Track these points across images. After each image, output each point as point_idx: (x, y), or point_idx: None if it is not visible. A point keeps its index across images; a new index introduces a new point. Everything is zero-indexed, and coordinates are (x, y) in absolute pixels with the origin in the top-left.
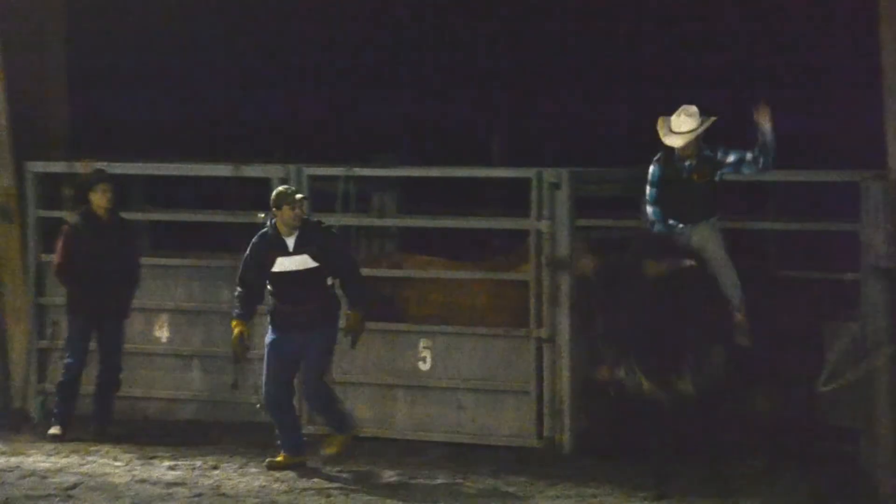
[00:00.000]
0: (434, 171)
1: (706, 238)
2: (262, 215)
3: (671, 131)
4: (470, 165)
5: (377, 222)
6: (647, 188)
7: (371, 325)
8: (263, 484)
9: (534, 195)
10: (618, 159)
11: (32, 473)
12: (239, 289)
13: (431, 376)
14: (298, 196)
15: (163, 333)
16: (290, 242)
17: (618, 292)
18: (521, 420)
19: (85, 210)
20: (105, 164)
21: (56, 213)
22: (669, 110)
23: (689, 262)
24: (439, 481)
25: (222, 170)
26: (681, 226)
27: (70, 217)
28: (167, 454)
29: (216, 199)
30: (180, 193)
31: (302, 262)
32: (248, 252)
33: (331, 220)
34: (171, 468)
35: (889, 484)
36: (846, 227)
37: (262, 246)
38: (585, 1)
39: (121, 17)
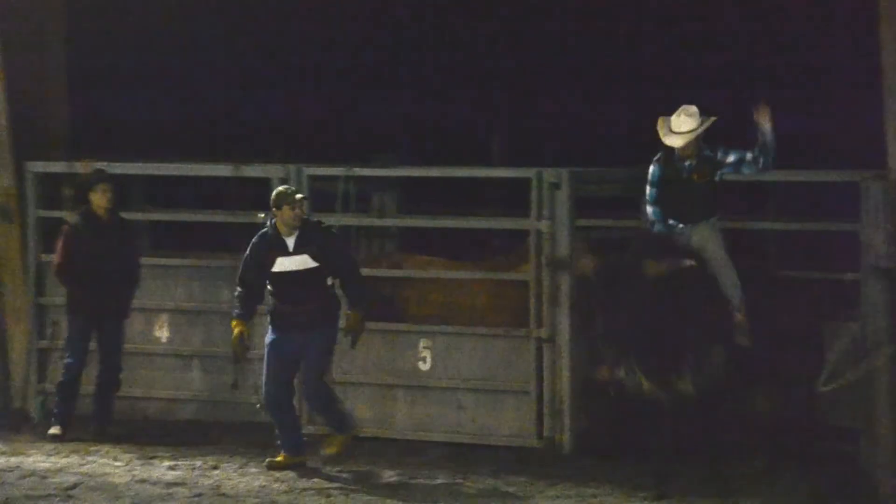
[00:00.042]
0: (434, 172)
1: (706, 238)
2: (263, 215)
3: (671, 131)
4: (470, 165)
5: (377, 222)
6: (647, 188)
7: (371, 325)
8: (263, 484)
9: (534, 195)
10: (618, 159)
11: (32, 473)
12: (238, 289)
13: (431, 376)
14: (298, 196)
15: (163, 333)
16: (290, 242)
17: (617, 292)
18: (521, 420)
19: (85, 210)
20: (105, 164)
21: (56, 213)
22: (670, 110)
23: (689, 263)
24: (439, 481)
25: (222, 170)
26: (681, 226)
27: (70, 217)
28: (167, 454)
29: (216, 199)
30: (180, 193)
31: (302, 262)
32: (247, 252)
33: (331, 220)
34: (171, 468)
35: (889, 484)
36: (846, 228)
37: (262, 246)
38: (586, 1)
39: (121, 17)
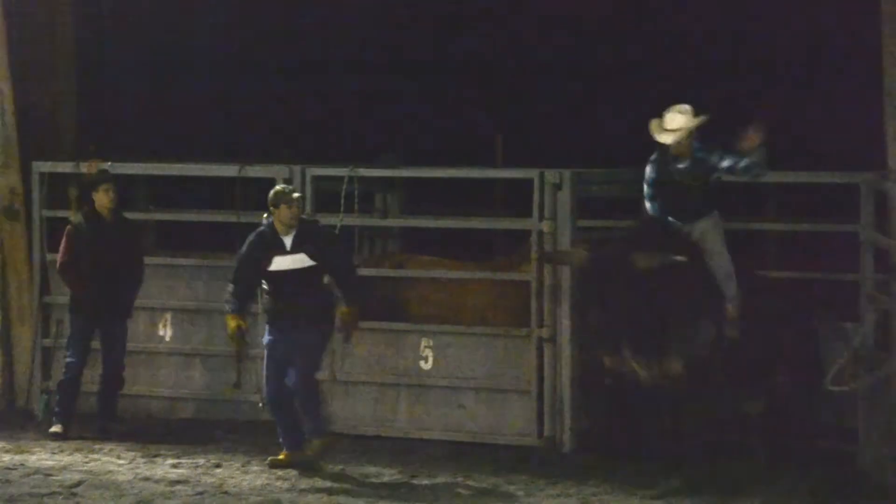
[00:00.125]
0: (437, 172)
1: (706, 231)
2: (266, 216)
3: (663, 129)
4: (472, 166)
5: (380, 222)
6: (645, 186)
7: (373, 324)
8: (266, 482)
9: (536, 196)
10: (620, 160)
11: (36, 471)
12: (232, 286)
13: (433, 375)
14: (296, 195)
15: (166, 332)
16: (288, 241)
17: (606, 284)
18: (522, 419)
19: (88, 210)
20: (109, 164)
21: (62, 213)
22: None
23: (679, 258)
24: (440, 480)
25: (226, 170)
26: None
27: (73, 217)
28: (170, 452)
29: (221, 199)
30: (184, 193)
31: (299, 260)
32: (243, 250)
33: (334, 220)
34: (174, 466)
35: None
36: (846, 228)
37: (259, 244)
38: (588, 1)
39: (128, 17)
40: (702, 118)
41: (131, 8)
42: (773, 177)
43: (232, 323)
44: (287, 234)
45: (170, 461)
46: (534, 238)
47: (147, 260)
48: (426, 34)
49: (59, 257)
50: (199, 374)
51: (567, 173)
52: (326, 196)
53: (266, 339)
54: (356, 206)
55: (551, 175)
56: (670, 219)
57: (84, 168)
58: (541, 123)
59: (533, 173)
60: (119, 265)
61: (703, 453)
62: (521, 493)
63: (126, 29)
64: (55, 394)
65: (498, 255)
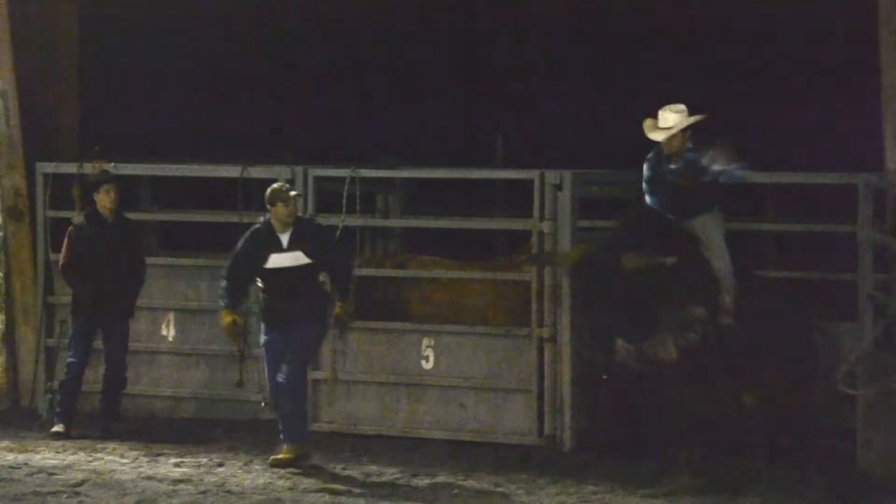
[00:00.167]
0: (438, 173)
1: (706, 225)
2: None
3: (656, 127)
4: (473, 167)
5: (381, 223)
6: (644, 184)
7: (374, 324)
8: (268, 481)
9: (536, 196)
10: (620, 161)
11: (40, 470)
12: (225, 281)
13: (434, 375)
14: (292, 193)
15: (169, 332)
16: (285, 239)
17: (596, 284)
18: (523, 418)
19: (90, 211)
20: (113, 164)
21: (66, 214)
22: None
23: (670, 260)
24: (441, 479)
25: (229, 171)
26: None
27: (75, 217)
28: (173, 451)
29: (223, 199)
30: (187, 194)
31: (295, 258)
32: (239, 247)
33: (335, 220)
34: (177, 465)
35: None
36: (845, 229)
37: (255, 241)
38: (588, 2)
39: (132, 19)
40: (696, 118)
41: (134, 9)
42: (771, 178)
43: (227, 318)
44: (284, 231)
45: (172, 460)
46: (534, 239)
47: (149, 260)
48: (426, 34)
49: (60, 258)
50: (202, 374)
51: (567, 174)
52: (328, 196)
53: (262, 338)
54: (357, 207)
55: (552, 176)
56: (669, 217)
57: (88, 169)
58: (541, 124)
59: (533, 174)
60: (120, 265)
61: (703, 453)
62: (521, 492)
63: (129, 30)
64: (57, 393)
65: (498, 256)
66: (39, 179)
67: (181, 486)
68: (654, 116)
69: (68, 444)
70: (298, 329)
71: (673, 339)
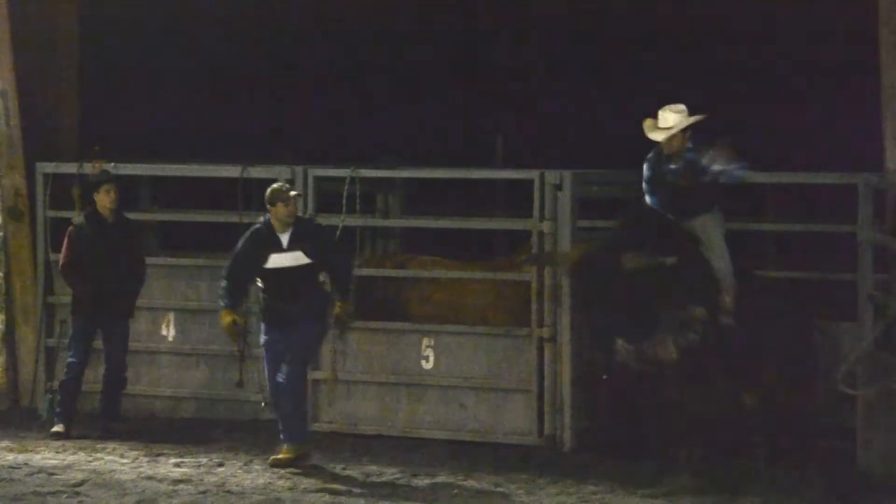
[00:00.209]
0: (438, 173)
1: (706, 225)
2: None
3: (656, 127)
4: (473, 167)
5: (381, 223)
6: (644, 184)
7: (374, 324)
8: (268, 481)
9: (536, 196)
10: (620, 160)
11: (41, 470)
12: (225, 281)
13: (434, 375)
14: (292, 193)
15: (169, 332)
16: (285, 239)
17: (596, 284)
18: (523, 418)
19: (90, 211)
20: (113, 164)
21: (66, 214)
22: None
23: (670, 260)
24: (441, 479)
25: (229, 171)
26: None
27: (75, 217)
28: (173, 451)
29: (223, 199)
30: (187, 194)
31: (295, 258)
32: (239, 247)
33: (335, 220)
34: (177, 465)
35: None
36: (845, 229)
37: (255, 241)
38: (589, 2)
39: (132, 19)
40: (696, 118)
41: (134, 9)
42: (771, 178)
43: (227, 318)
44: (284, 231)
45: (172, 460)
46: (534, 239)
47: (149, 260)
48: (426, 34)
49: (60, 258)
50: (202, 374)
51: (567, 174)
52: (328, 196)
53: (263, 338)
54: (358, 207)
55: (552, 176)
56: (669, 216)
57: (88, 169)
58: (541, 124)
59: (533, 174)
60: (120, 265)
61: (703, 453)
62: (521, 492)
63: (129, 30)
64: (57, 393)
65: (498, 256)
66: (39, 179)
67: (181, 486)
68: (654, 116)
69: (68, 444)
70: (298, 329)
71: (673, 339)
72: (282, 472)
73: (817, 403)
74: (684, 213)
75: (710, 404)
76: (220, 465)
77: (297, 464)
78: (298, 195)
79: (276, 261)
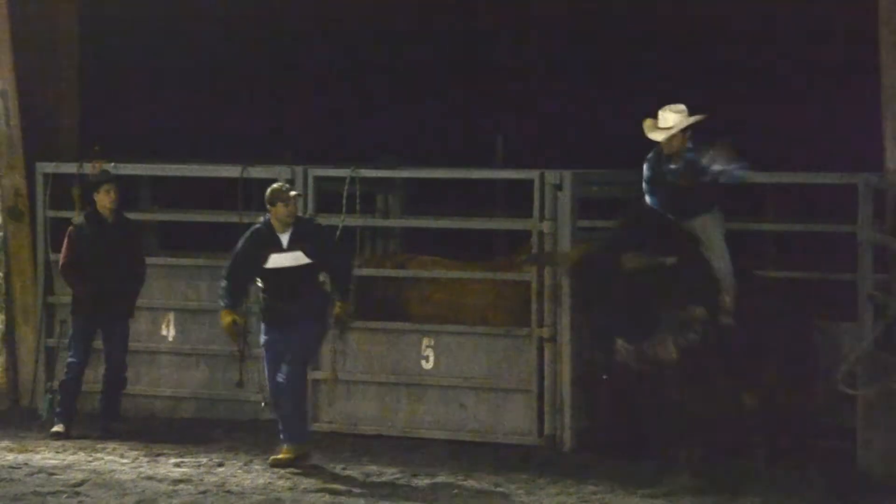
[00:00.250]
0: (438, 173)
1: (706, 225)
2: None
3: (656, 127)
4: (473, 167)
5: (381, 223)
6: (644, 184)
7: (374, 324)
8: (268, 481)
9: (536, 196)
10: (620, 161)
11: (41, 470)
12: (225, 281)
13: (434, 375)
14: (292, 193)
15: (169, 332)
16: (285, 238)
17: (597, 284)
18: (523, 418)
19: (90, 211)
20: (113, 164)
21: (66, 214)
22: None
23: (670, 260)
24: (441, 479)
25: (229, 171)
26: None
27: (75, 218)
28: (173, 451)
29: (223, 199)
30: (187, 194)
31: (295, 258)
32: (239, 246)
33: (335, 220)
34: (177, 465)
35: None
36: (845, 229)
37: (256, 241)
38: (589, 1)
39: (132, 19)
40: (695, 118)
41: (134, 9)
42: (771, 178)
43: (227, 318)
44: (284, 231)
45: (172, 460)
46: (534, 239)
47: (149, 260)
48: (426, 34)
49: (60, 258)
50: (202, 374)
51: (567, 174)
52: (328, 197)
53: (262, 338)
54: (358, 207)
55: (552, 176)
56: (669, 216)
57: (88, 169)
58: (541, 124)
59: (533, 174)
60: (120, 265)
61: (703, 453)
62: (521, 492)
63: (129, 30)
64: (57, 393)
65: (498, 256)
66: (39, 179)
67: (181, 486)
68: (654, 116)
69: (68, 444)
70: (298, 329)
71: (673, 339)
72: (282, 472)
73: (817, 403)
74: (684, 213)
75: (710, 404)
76: (221, 465)
77: (297, 464)
78: (298, 195)
79: (276, 261)
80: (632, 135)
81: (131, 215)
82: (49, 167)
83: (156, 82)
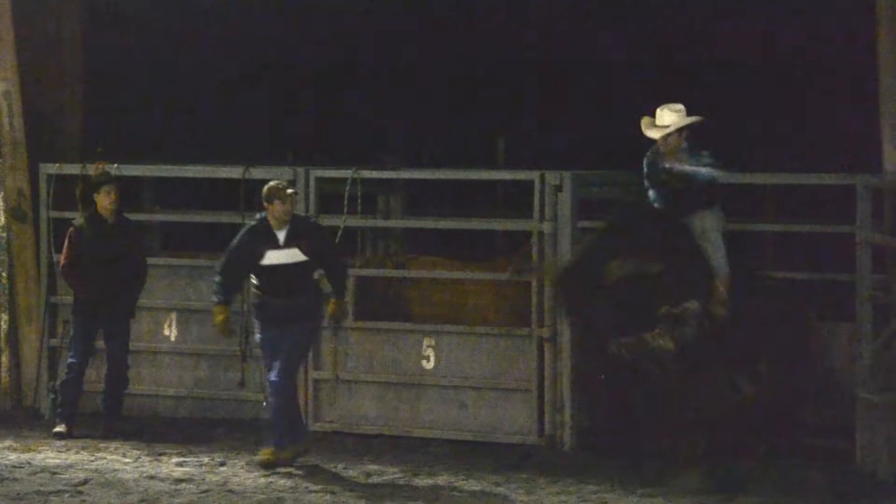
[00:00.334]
0: (439, 174)
1: (705, 220)
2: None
3: (653, 125)
4: (474, 168)
5: (382, 223)
6: (644, 180)
7: (375, 324)
8: (269, 480)
9: (536, 197)
10: (620, 161)
11: (43, 470)
12: (219, 276)
13: (435, 375)
14: (289, 191)
15: (171, 332)
16: (281, 236)
17: (580, 298)
18: (523, 418)
19: (91, 212)
20: (116, 165)
21: (69, 215)
22: None
23: (657, 268)
24: (441, 479)
25: (231, 172)
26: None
27: (76, 219)
28: (175, 451)
29: (225, 200)
30: (189, 195)
31: (292, 255)
32: (234, 243)
33: (337, 221)
34: (179, 465)
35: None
36: (844, 229)
37: (252, 237)
38: (589, 1)
39: (134, 21)
40: (692, 119)
41: (137, 11)
42: (770, 179)
43: (219, 316)
44: (280, 229)
45: (174, 460)
46: (535, 239)
47: (151, 260)
48: (427, 36)
49: (61, 259)
50: (204, 374)
51: (568, 175)
52: (329, 197)
53: (258, 336)
54: (359, 208)
55: (552, 176)
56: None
57: (91, 170)
58: (542, 125)
59: (534, 175)
60: (121, 266)
61: (703, 452)
62: (521, 491)
63: (132, 32)
64: (58, 393)
65: (499, 256)
66: (43, 180)
67: (183, 485)
68: (653, 115)
69: (71, 443)
70: (292, 327)
71: (669, 332)
72: (283, 471)
73: (817, 403)
74: (683, 209)
75: (710, 392)
76: (222, 464)
77: (280, 464)
78: (295, 193)
79: (272, 258)
80: (632, 135)
81: (134, 216)
82: (52, 168)
83: (158, 83)
